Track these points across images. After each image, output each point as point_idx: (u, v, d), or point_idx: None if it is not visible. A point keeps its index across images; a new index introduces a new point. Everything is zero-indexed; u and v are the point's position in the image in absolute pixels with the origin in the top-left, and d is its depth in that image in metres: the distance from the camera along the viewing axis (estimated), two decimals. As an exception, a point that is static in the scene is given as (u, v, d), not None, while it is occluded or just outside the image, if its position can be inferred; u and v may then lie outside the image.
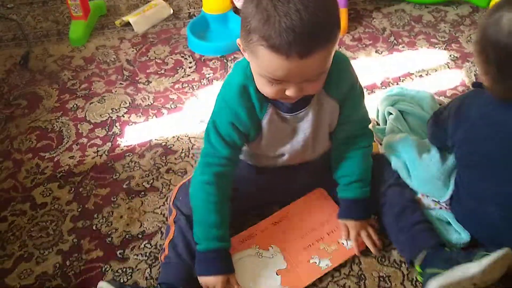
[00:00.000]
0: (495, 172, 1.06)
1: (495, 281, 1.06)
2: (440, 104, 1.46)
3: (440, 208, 1.21)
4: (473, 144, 1.09)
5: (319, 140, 1.14)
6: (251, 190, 1.19)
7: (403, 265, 1.15)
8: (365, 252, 1.18)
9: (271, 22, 0.84)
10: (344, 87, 1.08)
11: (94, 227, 1.27)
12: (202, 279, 1.08)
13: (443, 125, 1.17)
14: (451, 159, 1.22)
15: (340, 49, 1.79)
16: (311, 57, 0.87)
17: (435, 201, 1.21)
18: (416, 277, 1.12)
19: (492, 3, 1.85)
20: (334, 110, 1.10)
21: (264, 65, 0.91)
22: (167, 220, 1.22)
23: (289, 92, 0.94)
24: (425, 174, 1.21)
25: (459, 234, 1.16)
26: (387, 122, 1.39)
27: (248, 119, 1.05)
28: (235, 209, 1.14)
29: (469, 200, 1.13)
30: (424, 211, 1.19)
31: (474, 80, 1.62)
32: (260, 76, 0.95)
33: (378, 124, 1.45)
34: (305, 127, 1.09)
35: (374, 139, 1.38)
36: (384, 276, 1.14)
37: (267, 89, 0.97)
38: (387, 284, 1.12)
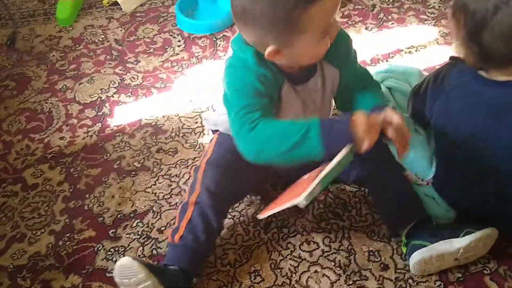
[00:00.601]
0: (470, 144, 1.07)
1: (477, 258, 1.09)
2: (428, 80, 1.47)
3: (428, 184, 1.23)
4: (448, 116, 1.09)
5: (326, 108, 1.16)
6: (253, 169, 1.09)
7: (392, 239, 1.17)
8: (354, 227, 1.20)
9: None
10: (341, 50, 1.08)
11: (86, 207, 1.28)
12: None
13: (421, 99, 1.17)
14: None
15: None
16: None
17: (422, 178, 1.23)
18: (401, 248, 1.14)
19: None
20: (335, 76, 1.11)
21: (316, 26, 0.93)
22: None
23: (333, 33, 0.98)
24: (411, 153, 1.21)
25: (446, 210, 1.18)
26: (376, 98, 1.40)
27: (272, 82, 1.01)
28: (237, 190, 1.15)
29: (448, 175, 1.15)
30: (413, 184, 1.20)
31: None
32: (317, 43, 0.96)
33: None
34: (315, 97, 1.09)
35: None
36: (374, 250, 1.16)
37: (321, 48, 0.98)
38: (377, 258, 1.14)
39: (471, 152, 1.07)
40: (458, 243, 1.04)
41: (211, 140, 1.22)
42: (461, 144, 1.08)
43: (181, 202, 1.13)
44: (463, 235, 1.04)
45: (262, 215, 1.04)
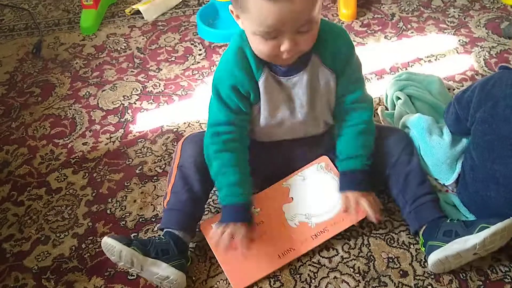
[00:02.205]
0: (510, 156, 1.06)
1: (499, 247, 1.07)
2: (448, 89, 1.47)
3: (447, 191, 1.22)
4: (492, 124, 1.09)
5: (318, 110, 1.15)
6: (253, 166, 1.18)
7: (411, 246, 1.17)
8: (373, 234, 1.20)
9: None
10: (340, 58, 1.09)
11: (108, 211, 1.30)
12: (223, 226, 1.10)
13: (465, 105, 1.16)
14: (460, 145, 1.22)
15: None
16: None
17: (442, 184, 1.23)
18: (421, 252, 1.14)
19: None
20: (329, 80, 1.11)
21: (255, 16, 0.94)
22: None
23: (284, 46, 0.97)
24: (431, 156, 1.22)
25: (466, 218, 1.18)
26: (396, 106, 1.40)
27: (246, 79, 1.07)
28: None
29: (475, 183, 1.14)
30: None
31: (483, 65, 1.63)
32: (254, 35, 0.99)
33: (387, 109, 1.46)
34: (300, 93, 1.11)
35: (382, 123, 1.40)
36: (393, 257, 1.16)
37: (262, 47, 1.00)
38: (396, 265, 1.14)
39: (509, 161, 1.06)
40: (473, 240, 1.02)
41: None
42: (502, 152, 1.07)
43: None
44: (478, 231, 1.02)
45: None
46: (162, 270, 1.07)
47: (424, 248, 1.12)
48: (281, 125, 1.16)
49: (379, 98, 1.52)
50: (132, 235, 1.24)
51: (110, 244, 1.06)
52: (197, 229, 1.19)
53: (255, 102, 1.12)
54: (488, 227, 1.02)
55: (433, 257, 1.07)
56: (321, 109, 1.16)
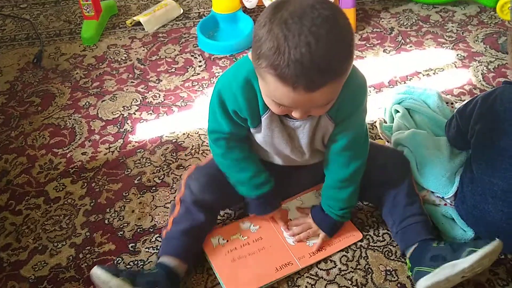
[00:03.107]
0: (509, 169, 1.07)
1: (486, 268, 1.06)
2: (446, 103, 1.48)
3: (445, 204, 1.23)
4: (491, 137, 1.09)
5: (315, 149, 1.15)
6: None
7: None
8: (371, 247, 1.20)
9: (280, 52, 0.82)
10: (344, 112, 1.06)
11: (106, 221, 1.30)
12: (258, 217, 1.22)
13: (467, 118, 1.17)
14: (459, 158, 1.23)
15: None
16: (319, 91, 0.86)
17: (440, 197, 1.23)
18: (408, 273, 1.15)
19: (499, 3, 1.87)
20: (328, 129, 1.09)
21: (271, 91, 0.91)
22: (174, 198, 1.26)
23: (295, 114, 0.95)
24: (431, 170, 1.22)
25: (463, 231, 1.18)
26: (394, 119, 1.41)
27: (249, 110, 1.05)
28: (219, 200, 1.20)
29: (474, 196, 1.14)
30: (428, 205, 1.21)
31: (481, 79, 1.64)
32: (266, 97, 0.96)
33: (386, 122, 1.47)
34: (300, 136, 1.10)
35: (381, 136, 1.41)
36: (391, 269, 1.16)
37: (273, 107, 0.97)
38: (394, 277, 1.14)
39: (510, 176, 1.07)
40: (461, 265, 1.01)
41: None
42: (501, 166, 1.08)
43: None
44: (466, 255, 1.02)
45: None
46: None
47: (411, 273, 1.11)
48: (279, 153, 1.16)
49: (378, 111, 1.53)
50: (129, 246, 1.24)
51: (97, 274, 1.05)
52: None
53: (254, 127, 1.09)
54: (476, 250, 1.01)
55: (422, 283, 1.05)
56: (318, 146, 1.15)
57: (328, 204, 1.18)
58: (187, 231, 1.14)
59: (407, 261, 1.13)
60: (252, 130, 1.11)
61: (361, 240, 1.21)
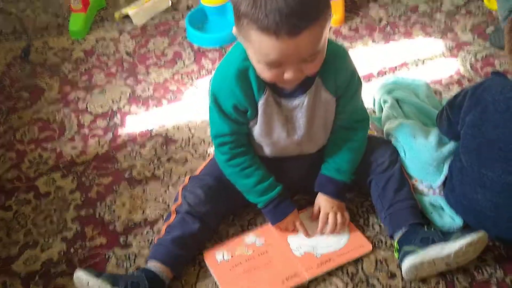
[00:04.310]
0: (498, 160, 1.08)
1: (467, 262, 1.10)
2: (435, 92, 1.49)
3: (434, 193, 1.24)
4: (481, 128, 1.10)
5: (314, 133, 1.16)
6: (233, 197, 1.21)
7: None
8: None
9: (257, 5, 0.87)
10: (341, 81, 1.09)
11: (97, 215, 1.30)
12: (276, 225, 1.20)
13: (456, 109, 1.18)
14: (447, 147, 1.24)
15: (337, 39, 1.81)
16: (301, 35, 0.89)
17: (429, 186, 1.24)
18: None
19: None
20: (329, 103, 1.12)
21: (257, 48, 0.93)
22: (169, 206, 1.26)
23: (288, 74, 0.96)
24: (418, 159, 1.24)
25: (452, 220, 1.19)
26: (383, 110, 1.42)
27: (246, 99, 1.07)
28: (230, 204, 1.21)
29: (463, 185, 1.16)
30: (416, 194, 1.22)
31: (469, 68, 1.65)
32: (257, 62, 0.98)
33: (375, 113, 1.48)
34: (298, 116, 1.11)
35: (370, 127, 1.41)
36: (381, 259, 1.17)
37: (266, 74, 0.99)
38: (384, 267, 1.15)
39: (500, 165, 1.08)
40: (448, 249, 1.05)
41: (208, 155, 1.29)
42: (490, 156, 1.09)
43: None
44: (454, 240, 1.05)
45: None
46: None
47: (397, 254, 1.13)
48: (275, 144, 1.16)
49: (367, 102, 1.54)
50: (121, 239, 1.24)
51: (79, 276, 1.06)
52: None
53: (252, 118, 1.11)
54: (464, 236, 1.05)
55: (408, 262, 1.07)
56: (317, 130, 1.16)
57: (336, 167, 1.19)
58: (179, 239, 1.13)
59: (395, 243, 1.14)
60: (251, 123, 1.12)
61: (371, 253, 1.18)
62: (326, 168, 1.20)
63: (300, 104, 1.09)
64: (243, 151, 1.15)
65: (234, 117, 1.10)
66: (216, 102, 1.09)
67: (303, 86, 1.07)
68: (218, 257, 1.17)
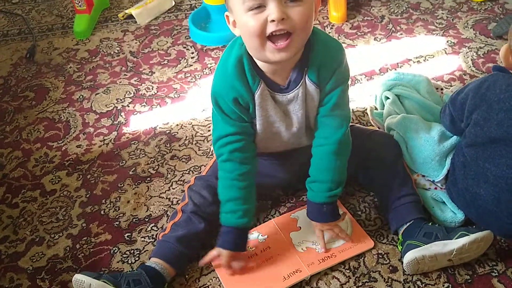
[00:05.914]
0: (503, 156, 1.08)
1: (471, 259, 1.11)
2: (436, 88, 1.49)
3: (436, 188, 1.25)
4: (484, 127, 1.10)
5: (311, 122, 1.16)
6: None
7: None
8: (364, 231, 1.22)
9: None
10: (326, 72, 1.07)
11: (102, 212, 1.32)
12: (218, 249, 1.13)
13: (460, 107, 1.18)
14: (449, 142, 1.25)
15: (339, 37, 1.82)
16: None
17: (431, 181, 1.25)
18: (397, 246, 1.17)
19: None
20: (315, 95, 1.10)
21: None
22: (173, 203, 1.28)
23: (272, 15, 0.92)
24: (420, 154, 1.24)
25: (454, 214, 1.20)
26: (385, 106, 1.42)
27: (245, 91, 1.06)
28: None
29: (466, 180, 1.16)
30: (418, 189, 1.23)
31: (471, 65, 1.66)
32: (242, 15, 0.96)
33: (376, 109, 1.48)
34: (296, 108, 1.11)
35: (372, 122, 1.42)
36: (383, 253, 1.18)
37: (251, 24, 0.95)
38: (386, 260, 1.16)
39: (504, 161, 1.08)
40: (451, 245, 1.05)
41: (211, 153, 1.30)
42: (495, 152, 1.09)
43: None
44: (457, 237, 1.06)
45: None
46: None
47: (401, 247, 1.14)
48: (276, 137, 1.16)
49: (369, 98, 1.55)
50: (125, 236, 1.25)
51: (79, 279, 1.06)
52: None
53: (254, 116, 1.11)
54: (468, 234, 1.06)
55: (410, 255, 1.08)
56: (313, 121, 1.15)
57: (313, 189, 1.15)
58: (184, 238, 1.14)
59: (400, 236, 1.15)
60: (253, 122, 1.12)
61: (373, 248, 1.18)
62: (311, 195, 1.16)
63: (295, 97, 1.09)
64: (241, 161, 1.11)
65: (235, 116, 1.10)
66: (217, 104, 1.10)
67: (296, 80, 1.07)
68: None
